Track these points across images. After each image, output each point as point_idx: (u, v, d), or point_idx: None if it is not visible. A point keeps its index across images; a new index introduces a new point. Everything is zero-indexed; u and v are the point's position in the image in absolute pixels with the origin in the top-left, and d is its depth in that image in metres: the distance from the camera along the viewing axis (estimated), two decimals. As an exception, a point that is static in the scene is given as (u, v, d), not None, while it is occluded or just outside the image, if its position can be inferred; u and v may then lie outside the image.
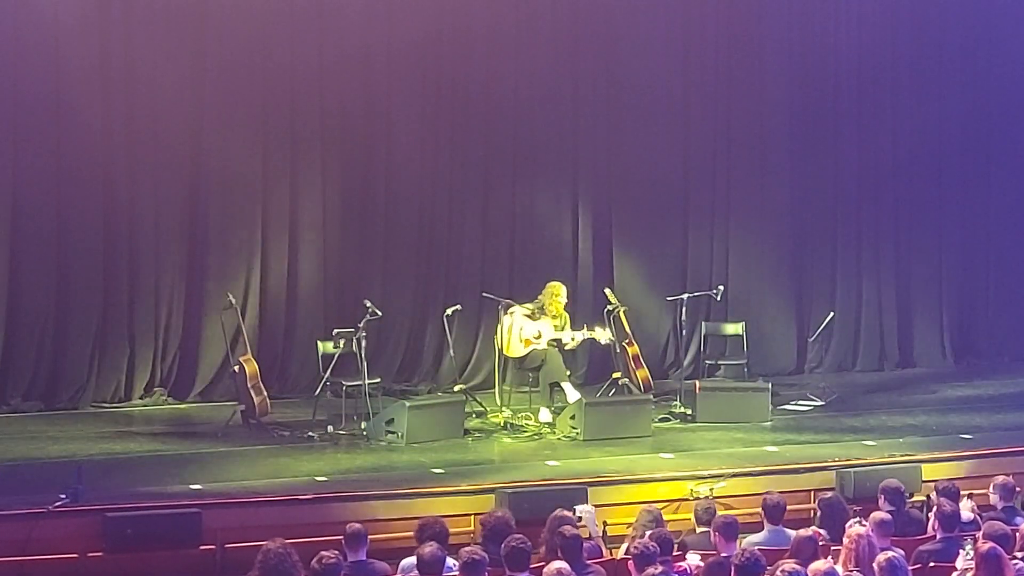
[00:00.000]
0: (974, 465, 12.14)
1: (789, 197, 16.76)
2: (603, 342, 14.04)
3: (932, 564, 8.97)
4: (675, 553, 8.96)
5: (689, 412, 13.86)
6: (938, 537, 9.29)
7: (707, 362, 15.51)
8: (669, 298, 14.94)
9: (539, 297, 13.88)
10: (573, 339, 13.82)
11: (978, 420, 13.95)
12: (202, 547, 10.04)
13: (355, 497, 10.72)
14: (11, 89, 13.58)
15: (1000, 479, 10.33)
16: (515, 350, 13.64)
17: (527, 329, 13.62)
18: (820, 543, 8.89)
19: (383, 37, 14.92)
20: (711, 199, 16.52)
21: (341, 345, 13.31)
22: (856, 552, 8.31)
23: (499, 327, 13.67)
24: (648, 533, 8.90)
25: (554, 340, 13.70)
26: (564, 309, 13.84)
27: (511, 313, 13.60)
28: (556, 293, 13.79)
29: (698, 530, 9.74)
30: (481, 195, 15.59)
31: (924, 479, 11.59)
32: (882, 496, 10.09)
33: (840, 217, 17.03)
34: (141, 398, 14.15)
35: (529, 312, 13.71)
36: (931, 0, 17.21)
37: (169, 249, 14.30)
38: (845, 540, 8.48)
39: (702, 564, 8.80)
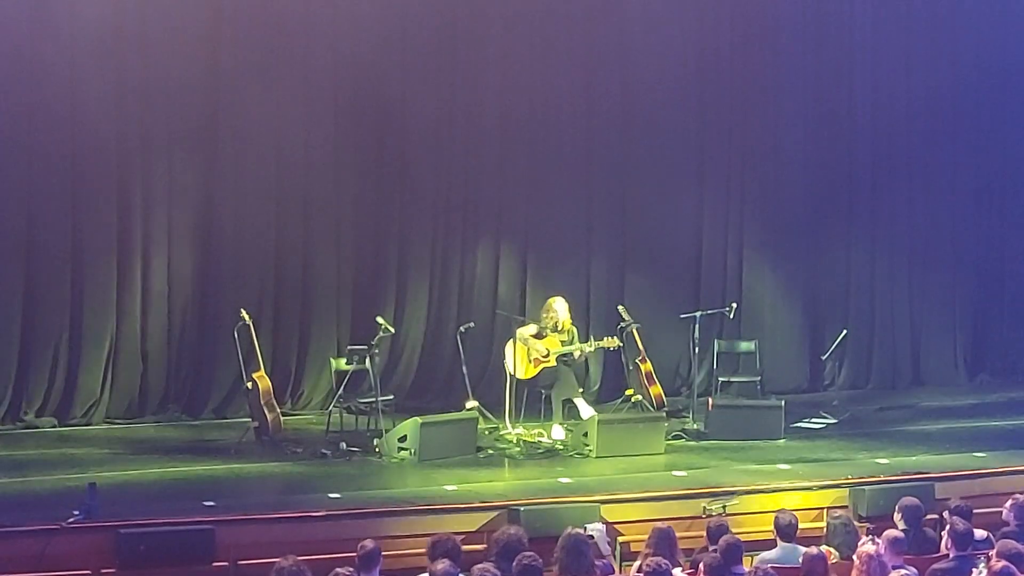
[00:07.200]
0: (987, 483, 12.10)
1: (802, 214, 16.77)
2: (612, 348, 14.04)
3: (945, 582, 8.96)
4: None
5: (702, 429, 13.86)
6: (951, 556, 9.24)
7: (720, 379, 15.51)
8: (682, 315, 14.93)
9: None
10: (582, 351, 13.83)
11: (991, 438, 13.92)
12: (215, 564, 10.02)
13: (368, 514, 10.69)
14: (27, 108, 13.63)
15: (1021, 498, 10.26)
16: (526, 372, 13.64)
17: (535, 349, 13.62)
18: (831, 561, 8.87)
19: (397, 50, 14.98)
20: (724, 216, 16.54)
21: (354, 362, 13.34)
22: (867, 570, 8.28)
23: (506, 350, 13.69)
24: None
25: (563, 356, 13.71)
26: (571, 323, 13.85)
27: (517, 337, 13.58)
28: (549, 308, 13.78)
29: (710, 548, 9.72)
30: (495, 211, 15.63)
31: (937, 497, 11.57)
32: (899, 513, 10.05)
33: (853, 234, 17.04)
34: (154, 414, 14.19)
35: (535, 332, 13.71)
36: (943, 26, 17.21)
37: (183, 265, 14.34)
38: (855, 559, 8.46)
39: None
